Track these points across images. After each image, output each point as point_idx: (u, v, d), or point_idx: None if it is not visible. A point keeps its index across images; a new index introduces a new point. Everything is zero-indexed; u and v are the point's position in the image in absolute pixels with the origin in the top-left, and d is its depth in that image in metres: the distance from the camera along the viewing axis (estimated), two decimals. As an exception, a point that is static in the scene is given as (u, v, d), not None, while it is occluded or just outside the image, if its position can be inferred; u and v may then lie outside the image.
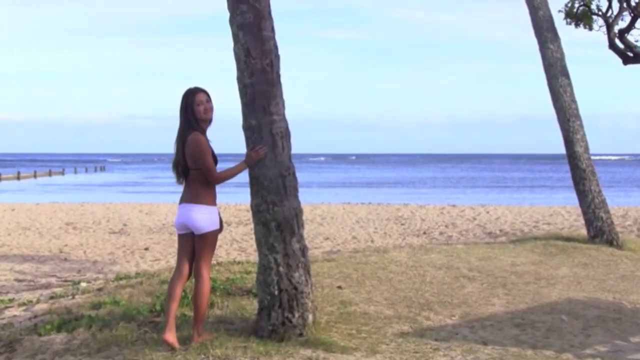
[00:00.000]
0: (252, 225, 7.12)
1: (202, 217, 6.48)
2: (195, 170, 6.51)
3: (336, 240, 19.29)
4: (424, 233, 20.99)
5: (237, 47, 6.89)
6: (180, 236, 6.66)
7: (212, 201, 6.56)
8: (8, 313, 9.03)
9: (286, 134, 6.91)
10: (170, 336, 6.38)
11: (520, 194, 46.91)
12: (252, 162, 6.78)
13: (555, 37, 14.66)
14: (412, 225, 23.20)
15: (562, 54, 14.61)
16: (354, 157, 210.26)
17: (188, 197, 6.55)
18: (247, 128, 6.87)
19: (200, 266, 6.57)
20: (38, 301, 9.60)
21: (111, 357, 6.34)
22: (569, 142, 14.44)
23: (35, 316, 8.47)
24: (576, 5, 17.53)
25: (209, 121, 6.65)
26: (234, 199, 31.21)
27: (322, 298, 8.44)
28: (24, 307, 9.28)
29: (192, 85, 6.66)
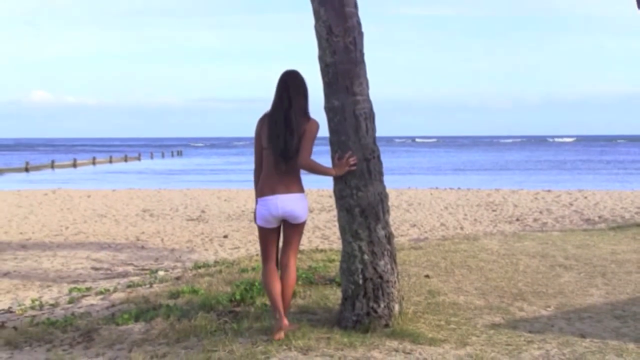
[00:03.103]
0: (335, 212, 7.16)
1: (302, 206, 6.64)
2: (294, 158, 6.55)
3: (423, 227, 19.19)
4: (517, 219, 20.71)
5: (319, 25, 6.90)
6: (269, 230, 6.72)
7: (303, 188, 6.71)
8: (85, 302, 9.31)
9: (370, 115, 6.91)
10: (285, 321, 6.50)
11: (621, 178, 45.86)
12: (342, 172, 6.78)
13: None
14: (504, 211, 22.91)
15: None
16: (435, 140, 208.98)
17: (286, 187, 6.56)
18: (330, 109, 6.89)
19: (289, 255, 6.74)
20: (115, 290, 9.85)
21: (190, 348, 6.46)
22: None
23: (113, 305, 8.70)
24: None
25: None
26: (317, 185, 31.25)
27: (409, 287, 8.45)
28: (101, 296, 9.55)
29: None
